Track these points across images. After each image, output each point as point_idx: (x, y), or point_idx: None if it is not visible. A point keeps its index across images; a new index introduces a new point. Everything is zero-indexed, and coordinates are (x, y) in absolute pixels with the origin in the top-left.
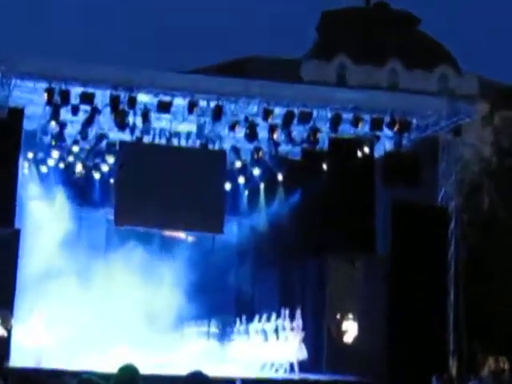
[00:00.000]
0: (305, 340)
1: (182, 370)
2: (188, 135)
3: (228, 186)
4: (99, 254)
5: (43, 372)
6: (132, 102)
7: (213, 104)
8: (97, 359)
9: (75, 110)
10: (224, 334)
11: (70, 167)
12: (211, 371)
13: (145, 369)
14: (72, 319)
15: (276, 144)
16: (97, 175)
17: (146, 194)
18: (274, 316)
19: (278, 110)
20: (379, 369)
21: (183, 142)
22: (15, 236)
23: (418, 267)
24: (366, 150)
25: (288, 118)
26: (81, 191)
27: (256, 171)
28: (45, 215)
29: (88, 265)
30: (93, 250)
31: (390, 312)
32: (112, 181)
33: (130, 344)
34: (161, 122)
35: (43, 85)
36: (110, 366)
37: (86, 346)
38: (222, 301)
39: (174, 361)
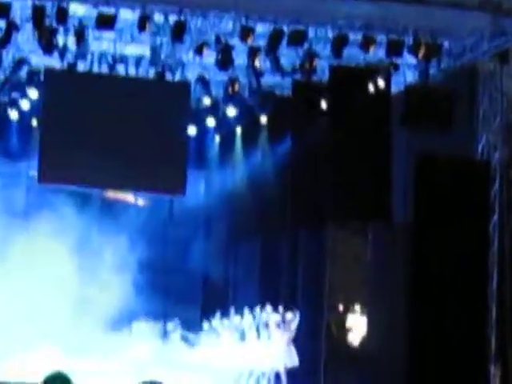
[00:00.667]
0: (295, 341)
1: (128, 380)
2: (138, 61)
3: (193, 131)
4: (17, 221)
5: None
6: (62, 16)
7: (172, 19)
8: (11, 364)
9: None
10: (186, 334)
11: None
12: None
13: (78, 379)
14: None
15: (258, 74)
16: (14, 115)
17: (80, 142)
18: (253, 308)
19: (261, 28)
20: (395, 380)
21: (132, 71)
22: None
23: (448, 241)
24: (381, 82)
25: (275, 39)
26: None
27: (231, 111)
28: None
29: (2, 236)
30: (9, 216)
31: (411, 303)
32: (35, 123)
33: (58, 344)
34: (101, 43)
35: None
36: (30, 375)
37: None
38: (183, 288)
39: (118, 368)
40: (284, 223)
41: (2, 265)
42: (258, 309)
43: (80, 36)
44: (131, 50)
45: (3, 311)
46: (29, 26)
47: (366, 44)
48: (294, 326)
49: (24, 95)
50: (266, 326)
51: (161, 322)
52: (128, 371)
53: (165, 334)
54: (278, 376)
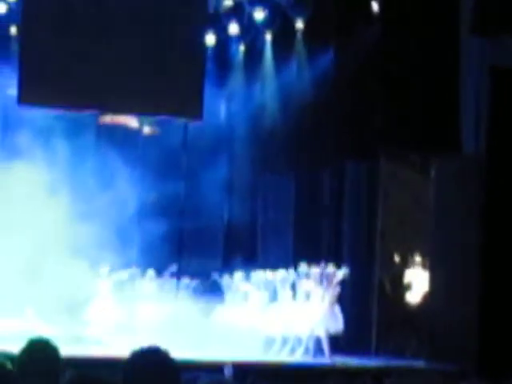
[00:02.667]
0: (340, 300)
1: (130, 347)
2: None
3: (211, 40)
4: None
5: None
6: None
7: None
8: None
9: None
10: (205, 290)
11: None
12: (182, 350)
13: (66, 345)
14: None
15: None
16: None
17: (70, 53)
18: (288, 261)
19: None
20: (464, 349)
21: None
22: None
23: None
24: None
25: None
26: None
27: (258, 14)
28: None
29: None
30: None
31: (483, 254)
32: (13, 31)
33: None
34: None
35: None
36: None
37: None
38: (200, 233)
39: (120, 331)
40: (325, 155)
41: None
42: (293, 261)
43: None
44: None
45: None
46: None
47: None
48: (338, 282)
49: None
50: (304, 282)
51: (173, 277)
52: (132, 337)
53: (178, 292)
54: (318, 343)
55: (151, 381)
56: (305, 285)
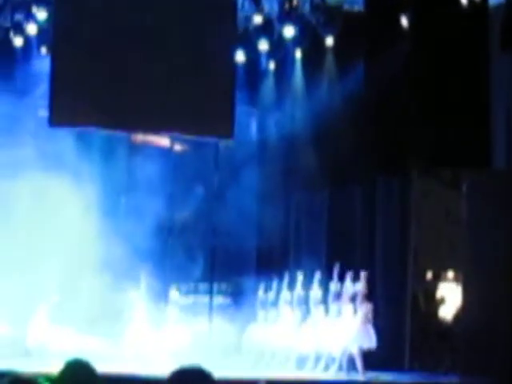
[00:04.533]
0: (373, 317)
1: (163, 366)
2: None
3: (241, 57)
4: (25, 172)
5: None
6: None
7: None
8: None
9: None
10: (237, 308)
11: None
12: (216, 368)
13: (100, 364)
14: None
15: None
16: (18, 42)
17: (101, 74)
18: (319, 276)
19: None
20: (498, 364)
21: None
22: None
23: None
24: None
25: None
26: None
27: (288, 31)
28: None
29: (8, 189)
30: (15, 166)
31: None
32: (44, 51)
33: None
34: None
35: None
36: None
37: None
38: (233, 251)
39: (150, 351)
40: (357, 171)
41: (7, 224)
42: (325, 278)
43: None
44: None
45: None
46: None
47: None
48: (370, 298)
49: (30, 17)
50: (337, 297)
51: (205, 293)
52: (162, 356)
53: (210, 308)
54: (351, 360)
55: None
56: (337, 301)
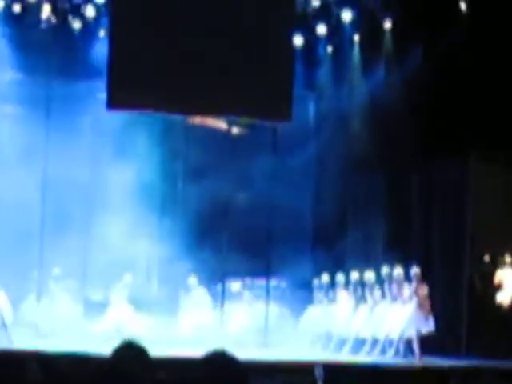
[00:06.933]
0: (430, 302)
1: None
2: None
3: (299, 41)
4: (83, 155)
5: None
6: None
7: None
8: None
9: None
10: (293, 291)
11: (29, 12)
12: (273, 350)
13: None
14: None
15: None
16: (76, 25)
17: (159, 56)
18: (376, 261)
19: None
20: None
21: None
22: None
23: None
24: None
25: None
26: (49, 53)
27: (346, 15)
28: None
29: (69, 173)
30: (75, 148)
31: None
32: (102, 34)
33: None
34: None
35: None
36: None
37: None
38: (289, 234)
39: (207, 334)
40: (414, 155)
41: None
42: (382, 262)
43: None
44: None
45: None
46: None
47: None
48: (427, 282)
49: (88, 0)
50: (393, 281)
51: (262, 278)
52: (219, 339)
53: (267, 294)
54: (409, 344)
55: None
56: (394, 285)
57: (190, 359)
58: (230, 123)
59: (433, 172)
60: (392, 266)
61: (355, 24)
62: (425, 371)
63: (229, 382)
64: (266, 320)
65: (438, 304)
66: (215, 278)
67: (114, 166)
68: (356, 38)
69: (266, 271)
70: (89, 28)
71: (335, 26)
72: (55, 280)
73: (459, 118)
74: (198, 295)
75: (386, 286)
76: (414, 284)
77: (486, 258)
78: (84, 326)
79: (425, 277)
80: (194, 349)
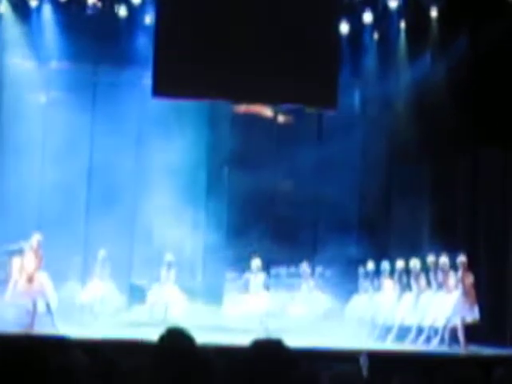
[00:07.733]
0: (476, 290)
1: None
2: None
3: (345, 29)
4: (128, 143)
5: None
6: None
7: None
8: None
9: None
10: (339, 278)
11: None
12: (318, 339)
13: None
14: None
15: None
16: (122, 12)
17: (205, 43)
18: (421, 250)
19: None
20: None
21: None
22: None
23: None
24: None
25: None
26: (94, 40)
27: (392, 2)
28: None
29: (114, 161)
30: (121, 136)
31: None
32: (148, 21)
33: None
34: None
35: None
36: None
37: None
38: (334, 223)
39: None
40: (460, 141)
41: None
42: (427, 250)
43: None
44: None
45: None
46: None
47: None
48: (472, 271)
49: None
50: (439, 270)
51: (308, 266)
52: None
53: (312, 279)
54: (453, 332)
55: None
56: (439, 274)
57: (239, 347)
58: (276, 111)
59: (479, 160)
60: (438, 254)
61: (401, 12)
62: (469, 360)
63: (278, 369)
64: (310, 308)
65: (484, 293)
66: (260, 265)
67: (159, 152)
68: (402, 25)
69: (311, 259)
70: (135, 15)
71: (381, 13)
72: (101, 264)
73: (505, 105)
74: (260, 279)
75: (432, 274)
76: (459, 272)
77: None
78: (129, 311)
79: (471, 265)
80: (241, 337)
